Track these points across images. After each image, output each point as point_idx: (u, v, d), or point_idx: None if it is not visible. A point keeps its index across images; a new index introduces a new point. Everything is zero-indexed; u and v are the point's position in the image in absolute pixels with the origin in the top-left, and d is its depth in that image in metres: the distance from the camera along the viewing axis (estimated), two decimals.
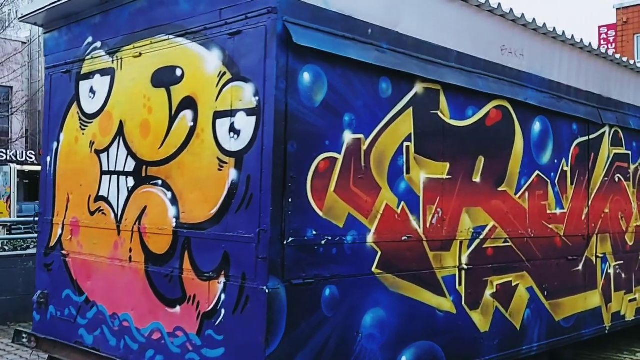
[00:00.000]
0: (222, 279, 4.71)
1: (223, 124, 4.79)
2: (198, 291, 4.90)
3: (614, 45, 32.81)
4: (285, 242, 4.49)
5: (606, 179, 8.17)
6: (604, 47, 20.67)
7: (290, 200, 4.52)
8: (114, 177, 5.75)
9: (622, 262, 8.52)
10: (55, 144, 6.43)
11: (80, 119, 6.20)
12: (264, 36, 4.53)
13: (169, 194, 5.20)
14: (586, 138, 7.78)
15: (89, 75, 6.11)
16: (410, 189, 5.46)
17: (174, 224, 5.14)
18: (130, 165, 5.59)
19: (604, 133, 8.14)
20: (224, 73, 4.80)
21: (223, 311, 4.70)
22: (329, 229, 4.80)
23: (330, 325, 4.81)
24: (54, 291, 6.29)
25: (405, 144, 5.42)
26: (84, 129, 6.14)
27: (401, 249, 5.38)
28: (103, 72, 5.96)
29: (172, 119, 5.21)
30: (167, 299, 5.16)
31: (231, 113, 4.73)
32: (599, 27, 34.30)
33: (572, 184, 7.51)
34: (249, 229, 4.55)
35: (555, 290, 7.23)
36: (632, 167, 8.79)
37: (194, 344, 4.89)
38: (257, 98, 4.55)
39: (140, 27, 5.56)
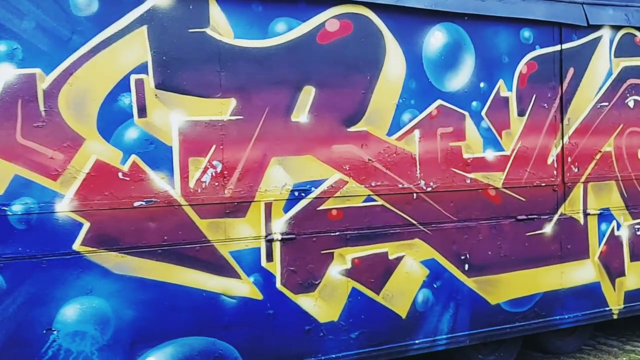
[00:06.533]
0: None
1: None
2: None
3: None
4: None
5: (605, 104, 5.81)
6: None
7: None
8: None
9: None
10: None
11: None
12: None
13: None
14: (555, 48, 5.53)
15: None
16: (149, 138, 4.06)
17: None
18: None
19: (598, 39, 5.76)
20: None
21: None
22: None
23: None
24: None
25: (134, 77, 4.01)
26: None
27: (135, 219, 4.04)
28: None
29: None
30: None
31: None
32: None
33: (521, 114, 5.38)
34: None
35: (490, 262, 5.27)
36: None
37: None
38: None
39: None
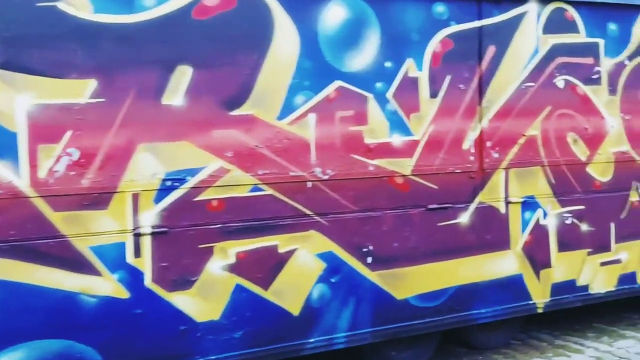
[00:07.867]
0: None
1: None
2: None
3: None
4: None
5: (531, 84, 5.41)
6: None
7: None
8: None
9: (582, 207, 5.74)
10: None
11: None
12: None
13: None
14: (473, 24, 5.12)
15: None
16: None
17: None
18: None
19: (523, 15, 5.34)
20: None
21: None
22: None
23: None
24: None
25: None
26: None
27: None
28: None
29: None
30: None
31: None
32: None
33: (434, 96, 5.00)
34: None
35: (397, 255, 4.92)
36: (608, 62, 5.79)
37: None
38: None
39: None
